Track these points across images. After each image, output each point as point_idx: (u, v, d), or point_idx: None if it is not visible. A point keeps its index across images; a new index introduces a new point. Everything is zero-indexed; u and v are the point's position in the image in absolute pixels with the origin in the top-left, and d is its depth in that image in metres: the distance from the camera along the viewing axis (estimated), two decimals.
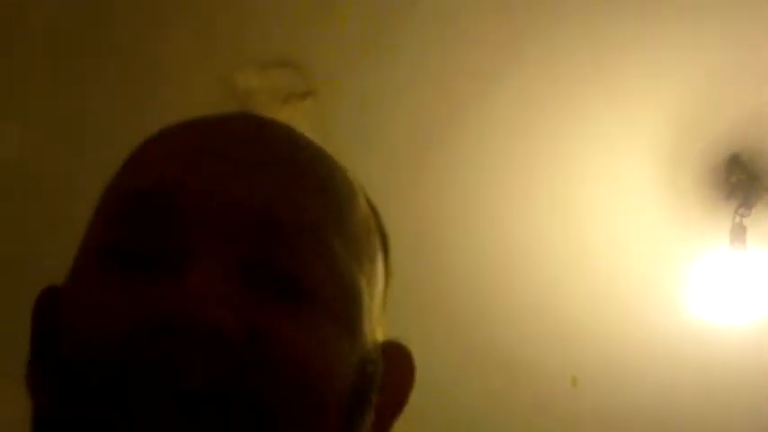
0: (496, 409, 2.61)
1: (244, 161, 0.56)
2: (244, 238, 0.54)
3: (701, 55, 2.09)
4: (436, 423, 2.48)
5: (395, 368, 0.61)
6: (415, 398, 0.64)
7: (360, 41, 2.09)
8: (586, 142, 2.23)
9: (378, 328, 0.60)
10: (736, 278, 2.24)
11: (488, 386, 2.59)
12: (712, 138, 2.21)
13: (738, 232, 2.26)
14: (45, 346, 0.59)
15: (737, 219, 2.26)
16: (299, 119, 0.66)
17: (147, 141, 0.63)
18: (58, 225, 2.39)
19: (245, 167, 0.56)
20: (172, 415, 0.50)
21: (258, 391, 0.51)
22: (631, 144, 2.23)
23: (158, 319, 0.51)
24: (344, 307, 0.56)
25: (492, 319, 2.51)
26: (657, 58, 2.09)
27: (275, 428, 0.52)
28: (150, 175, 0.57)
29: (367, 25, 2.06)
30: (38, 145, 2.24)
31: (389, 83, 2.14)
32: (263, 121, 0.61)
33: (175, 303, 0.50)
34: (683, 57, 2.09)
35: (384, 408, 0.59)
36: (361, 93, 2.15)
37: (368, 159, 2.08)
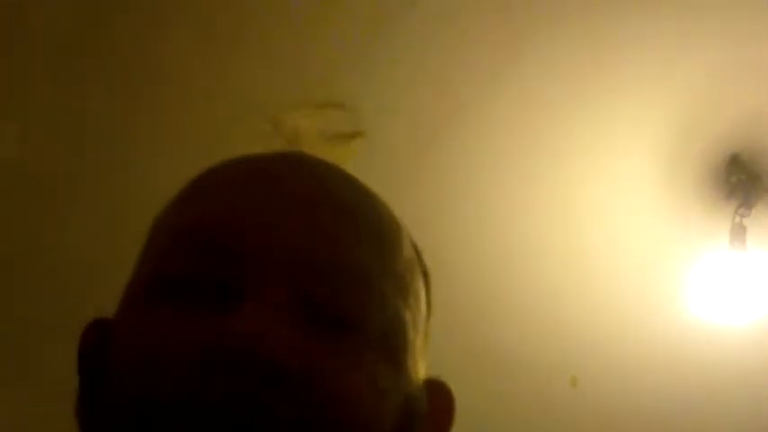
0: (496, 409, 2.61)
1: (301, 202, 0.58)
2: (299, 277, 0.55)
3: (701, 55, 2.09)
4: None
5: (436, 406, 0.63)
6: None
7: (360, 41, 2.09)
8: (586, 142, 2.23)
9: (421, 363, 0.62)
10: (736, 278, 2.24)
11: (488, 386, 2.59)
12: (712, 138, 2.21)
13: (738, 232, 2.25)
14: (95, 382, 0.59)
15: (737, 219, 2.26)
16: (347, 159, 0.68)
17: (201, 177, 0.65)
18: (58, 225, 2.39)
19: (302, 208, 0.58)
20: None
21: (309, 426, 0.52)
22: (631, 144, 2.23)
23: (217, 355, 0.52)
24: (393, 346, 0.58)
25: (492, 319, 2.51)
26: (657, 58, 2.09)
27: None
28: (209, 211, 0.59)
29: (367, 25, 2.06)
30: (38, 145, 2.24)
31: (389, 82, 2.14)
32: (316, 162, 0.63)
33: (234, 338, 0.51)
34: (683, 57, 2.09)
35: None
36: (360, 92, 2.15)
37: (367, 159, 2.08)
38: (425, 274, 0.66)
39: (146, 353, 0.54)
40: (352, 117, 0.75)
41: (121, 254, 2.62)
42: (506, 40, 2.08)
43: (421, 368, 0.62)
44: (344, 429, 0.54)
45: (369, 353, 0.56)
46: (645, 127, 2.20)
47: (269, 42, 2.10)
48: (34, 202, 2.33)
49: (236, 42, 2.09)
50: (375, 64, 2.11)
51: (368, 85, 2.14)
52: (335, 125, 0.73)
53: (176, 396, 0.52)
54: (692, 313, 2.37)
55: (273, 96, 2.17)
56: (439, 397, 0.64)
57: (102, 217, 2.35)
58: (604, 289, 2.45)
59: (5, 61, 2.12)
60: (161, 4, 2.06)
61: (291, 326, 0.53)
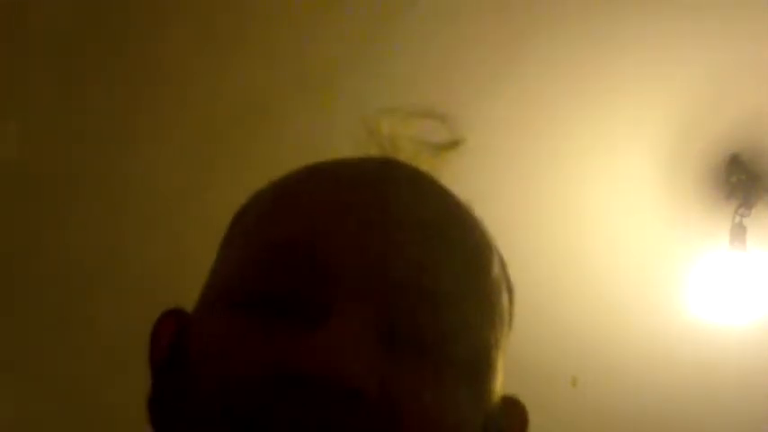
0: None
1: (390, 220, 0.57)
2: (385, 298, 0.54)
3: (701, 55, 2.09)
4: None
5: (511, 423, 0.63)
6: None
7: (359, 40, 2.09)
8: (586, 142, 2.23)
9: (500, 380, 0.62)
10: (736, 278, 2.24)
11: None
12: (712, 138, 2.21)
13: (738, 232, 2.25)
14: (171, 378, 0.58)
15: (737, 219, 2.26)
16: (442, 169, 0.68)
17: (293, 183, 0.62)
18: (58, 225, 2.39)
19: (391, 227, 0.57)
20: None
21: None
22: (631, 144, 2.23)
23: (298, 372, 0.51)
24: (475, 370, 0.57)
25: None
26: (657, 58, 2.09)
27: None
28: (298, 227, 0.57)
29: (367, 25, 2.06)
30: (38, 145, 2.24)
31: (389, 82, 2.14)
32: (410, 175, 0.62)
33: (315, 357, 0.51)
34: (683, 57, 2.09)
35: None
36: (360, 92, 2.14)
37: None
38: (510, 290, 0.66)
39: (224, 364, 0.53)
40: (448, 125, 0.74)
41: (121, 254, 2.63)
42: (506, 40, 2.08)
43: (499, 385, 0.62)
44: None
45: (450, 378, 0.55)
46: (645, 127, 2.20)
47: (269, 42, 2.10)
48: (34, 202, 2.33)
49: (236, 42, 2.09)
50: (375, 64, 2.11)
51: (368, 85, 2.14)
52: (432, 133, 0.72)
53: (249, 410, 0.51)
54: (692, 313, 2.37)
55: (273, 96, 2.17)
56: (514, 415, 0.64)
57: (102, 217, 2.35)
58: (604, 289, 2.45)
59: (5, 61, 2.12)
60: (161, 4, 2.06)
61: (373, 348, 0.52)
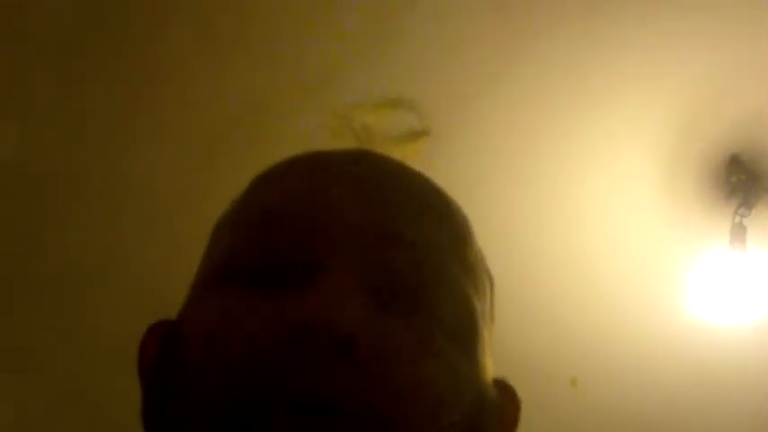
0: None
1: (372, 186, 0.59)
2: (372, 253, 0.55)
3: (701, 55, 2.09)
4: None
5: (505, 406, 0.62)
6: None
7: (359, 40, 2.09)
8: (586, 142, 2.23)
9: (489, 360, 0.62)
10: (736, 278, 2.24)
11: None
12: (712, 138, 2.21)
13: (738, 232, 2.25)
14: (166, 385, 0.58)
15: (737, 219, 2.26)
16: (413, 157, 0.69)
17: (269, 170, 0.64)
18: (58, 225, 2.39)
19: (373, 191, 0.58)
20: (286, 428, 0.50)
21: (375, 407, 0.52)
22: (631, 144, 2.23)
23: (297, 330, 0.51)
24: (465, 332, 0.57)
25: None
26: (657, 58, 2.09)
27: None
28: (277, 194, 0.59)
29: (366, 24, 2.06)
30: (38, 145, 2.24)
31: (389, 82, 2.14)
32: (387, 157, 0.64)
33: (305, 316, 0.51)
34: (682, 57, 2.09)
35: None
36: (360, 92, 2.15)
37: None
38: (491, 279, 0.66)
39: (222, 340, 0.54)
40: (416, 116, 0.77)
41: (121, 254, 2.63)
42: (506, 40, 2.08)
43: (490, 366, 0.62)
44: (413, 414, 0.53)
45: (441, 333, 0.55)
46: (645, 127, 2.20)
47: (269, 42, 2.10)
48: (34, 202, 2.33)
49: (236, 42, 2.09)
50: (375, 64, 2.11)
51: (368, 85, 2.14)
52: (401, 124, 0.75)
53: (253, 384, 0.51)
54: (692, 313, 2.37)
55: (273, 96, 2.17)
56: (507, 398, 0.63)
57: (102, 217, 2.35)
58: (604, 289, 2.45)
59: (5, 61, 2.12)
60: (161, 5, 2.06)
61: (364, 300, 0.53)
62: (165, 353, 0.60)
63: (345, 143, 0.63)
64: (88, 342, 2.51)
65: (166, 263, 2.39)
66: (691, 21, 2.04)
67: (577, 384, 2.60)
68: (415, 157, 0.68)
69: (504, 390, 0.63)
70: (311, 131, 2.17)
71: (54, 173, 2.28)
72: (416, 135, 0.66)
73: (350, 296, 0.53)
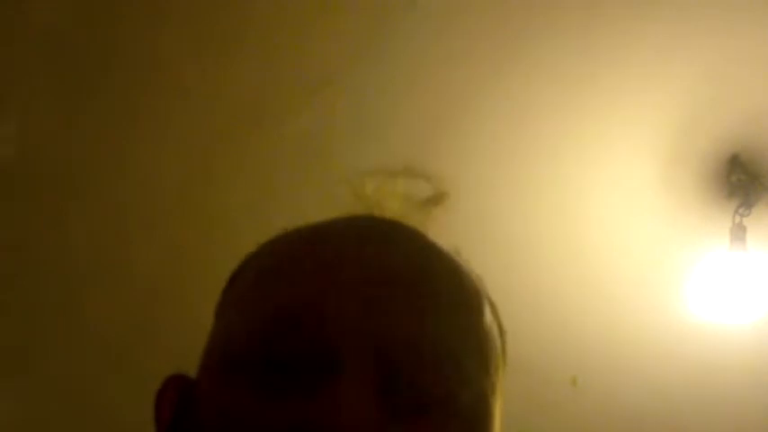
0: None
1: (388, 282, 0.59)
2: (385, 359, 0.56)
3: (701, 55, 2.09)
4: None
5: None
6: None
7: (359, 40, 2.08)
8: (586, 142, 2.23)
9: (498, 425, 0.63)
10: (736, 278, 2.24)
11: None
12: (712, 138, 2.21)
13: (738, 232, 2.25)
14: None
15: (737, 218, 2.26)
16: (429, 224, 0.68)
17: (280, 248, 0.64)
18: (58, 225, 2.39)
19: (389, 289, 0.58)
20: None
21: None
22: (631, 144, 2.23)
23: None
24: (477, 420, 0.59)
25: None
26: (657, 58, 2.09)
27: None
28: (292, 291, 0.59)
29: (366, 24, 2.06)
30: (38, 145, 2.24)
31: (389, 82, 2.14)
32: (400, 232, 0.64)
33: (320, 418, 0.53)
34: (682, 57, 2.09)
35: None
36: (360, 92, 2.15)
37: (366, 157, 2.08)
38: (502, 332, 0.68)
39: (237, 427, 0.55)
40: (432, 182, 0.76)
41: (121, 254, 2.63)
42: (506, 40, 2.08)
43: (498, 429, 0.64)
44: None
45: (453, 429, 0.57)
46: (645, 127, 2.20)
47: (269, 42, 2.10)
48: (34, 202, 2.33)
49: (236, 43, 2.09)
50: (375, 64, 2.11)
51: (368, 84, 2.14)
52: (417, 190, 0.72)
53: None
54: (692, 313, 2.37)
55: (273, 96, 2.17)
56: None
57: (102, 217, 2.35)
58: (605, 289, 2.45)
59: (5, 61, 2.12)
60: (161, 5, 2.06)
61: (375, 406, 0.54)
62: (178, 421, 0.62)
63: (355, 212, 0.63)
64: (88, 342, 2.51)
65: (166, 263, 2.39)
66: (691, 21, 2.04)
67: (577, 384, 2.60)
68: (431, 223, 0.68)
69: None
70: (311, 132, 2.17)
71: (54, 173, 2.28)
72: (434, 201, 0.65)
73: (363, 401, 0.54)
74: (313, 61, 2.11)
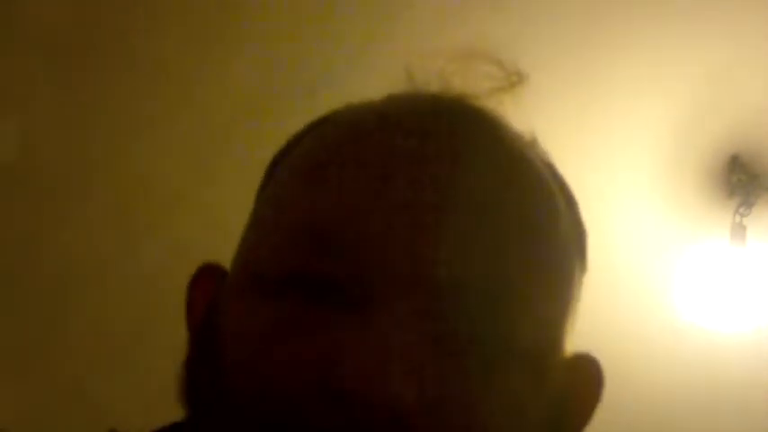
0: None
1: (441, 197, 0.50)
2: (433, 293, 0.49)
3: (701, 55, 2.09)
4: None
5: (581, 386, 0.58)
6: None
7: (359, 40, 2.09)
8: (585, 142, 2.23)
9: (568, 343, 0.57)
10: (735, 278, 2.24)
11: None
12: (712, 138, 2.21)
13: (738, 232, 2.25)
14: (204, 365, 0.54)
15: (738, 218, 2.26)
16: (508, 110, 0.60)
17: (327, 144, 0.55)
18: (58, 225, 2.39)
19: (442, 207, 0.50)
20: None
21: None
22: (631, 144, 2.23)
23: (339, 387, 0.46)
24: (541, 361, 0.52)
25: None
26: (657, 59, 2.09)
27: None
28: (335, 203, 0.51)
29: (365, 24, 2.06)
30: (38, 145, 2.24)
31: (389, 83, 2.14)
32: (468, 131, 0.55)
33: (358, 371, 0.46)
34: (683, 57, 2.09)
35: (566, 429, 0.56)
36: (360, 92, 2.14)
37: None
38: (581, 235, 0.60)
39: (258, 368, 0.49)
40: (505, 66, 0.66)
41: (121, 254, 2.63)
42: (505, 40, 2.08)
43: (568, 347, 0.56)
44: None
45: (510, 379, 0.50)
46: (644, 127, 2.20)
47: (269, 42, 2.10)
48: (34, 202, 2.33)
49: (236, 42, 2.09)
50: (374, 64, 2.11)
51: (367, 84, 2.13)
52: (490, 72, 0.61)
53: (285, 422, 0.47)
54: (692, 313, 2.37)
55: (273, 96, 2.17)
56: (585, 375, 0.59)
57: (102, 217, 2.35)
58: (603, 290, 2.45)
59: (5, 61, 2.12)
60: (161, 5, 2.06)
61: (419, 352, 0.47)
62: (207, 324, 0.55)
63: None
64: (88, 342, 2.51)
65: (166, 263, 2.39)
66: (690, 21, 2.04)
67: None
68: (513, 110, 0.59)
69: (583, 368, 0.59)
70: None
71: (54, 173, 2.28)
72: (511, 83, 0.55)
73: (404, 348, 0.46)
74: (313, 61, 2.11)
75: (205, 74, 2.14)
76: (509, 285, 0.51)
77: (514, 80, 0.64)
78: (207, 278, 0.60)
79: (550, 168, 0.62)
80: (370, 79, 2.15)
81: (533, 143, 0.62)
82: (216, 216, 2.38)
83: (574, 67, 2.11)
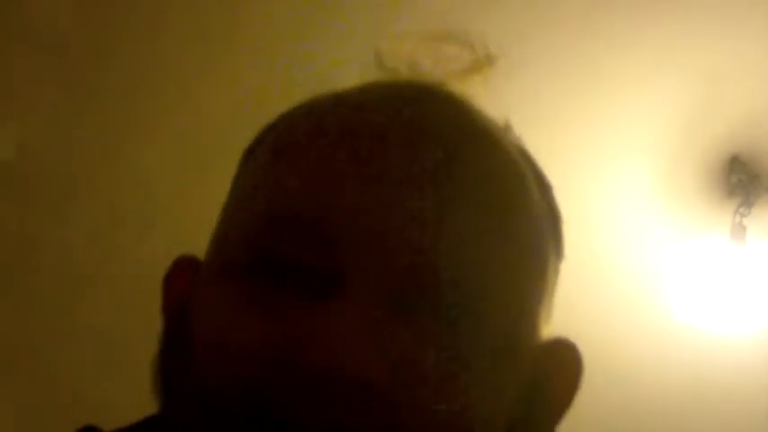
0: None
1: (408, 183, 0.51)
2: (397, 270, 0.49)
3: (701, 55, 2.09)
4: None
5: (559, 369, 0.58)
6: None
7: (358, 40, 2.08)
8: (585, 143, 2.23)
9: (543, 328, 0.57)
10: (736, 279, 2.24)
11: None
12: (712, 138, 2.21)
13: (738, 232, 2.25)
14: (176, 350, 0.54)
15: (738, 218, 2.26)
16: (478, 92, 0.59)
17: (293, 132, 0.56)
18: (58, 225, 2.39)
19: (408, 192, 0.50)
20: None
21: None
22: (631, 144, 2.23)
23: (300, 360, 0.47)
24: (513, 339, 0.53)
25: None
26: (657, 59, 2.09)
27: None
28: (298, 187, 0.52)
29: (366, 24, 2.06)
30: (38, 145, 2.24)
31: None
32: (436, 112, 0.54)
33: (320, 343, 0.47)
34: (682, 57, 2.09)
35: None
36: None
37: None
38: (555, 219, 0.60)
39: (224, 348, 0.50)
40: (475, 46, 0.62)
41: (120, 254, 2.63)
42: (504, 40, 2.08)
43: (544, 331, 0.56)
44: None
45: (478, 353, 0.50)
46: (644, 127, 2.20)
47: (269, 42, 2.10)
48: (34, 202, 2.33)
49: (236, 42, 2.09)
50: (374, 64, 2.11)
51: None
52: (463, 53, 0.61)
53: (249, 398, 0.48)
54: (692, 313, 2.37)
55: (273, 97, 2.17)
56: (562, 361, 0.59)
57: (102, 217, 2.35)
58: (604, 290, 2.45)
59: (5, 61, 2.12)
60: (160, 5, 2.06)
61: (383, 325, 0.48)
62: (181, 312, 0.56)
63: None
64: (88, 342, 2.51)
65: (166, 263, 2.39)
66: (691, 22, 2.04)
67: None
68: (482, 92, 0.58)
69: (556, 354, 0.59)
70: None
71: (54, 173, 2.28)
72: (480, 65, 0.54)
73: (367, 320, 0.47)
74: (313, 61, 2.11)
75: (205, 73, 2.14)
76: (480, 266, 0.51)
77: (483, 62, 0.63)
78: (182, 270, 0.62)
79: (523, 153, 0.62)
80: (371, 79, 2.15)
81: (506, 128, 0.62)
82: (215, 216, 2.38)
83: (574, 67, 2.11)
